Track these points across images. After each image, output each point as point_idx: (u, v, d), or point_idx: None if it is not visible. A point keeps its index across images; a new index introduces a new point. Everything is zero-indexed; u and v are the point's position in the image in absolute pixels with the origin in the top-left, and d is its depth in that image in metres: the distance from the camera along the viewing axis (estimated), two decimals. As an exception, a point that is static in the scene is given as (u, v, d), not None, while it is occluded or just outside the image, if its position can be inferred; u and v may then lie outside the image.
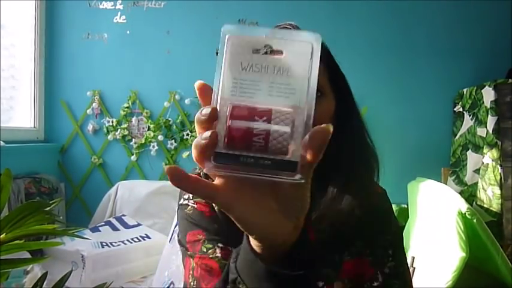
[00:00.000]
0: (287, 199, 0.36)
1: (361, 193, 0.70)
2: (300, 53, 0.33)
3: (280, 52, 0.33)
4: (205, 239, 0.68)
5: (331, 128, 0.32)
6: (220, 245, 0.67)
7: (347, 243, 0.71)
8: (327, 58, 0.71)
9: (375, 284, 0.69)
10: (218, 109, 0.33)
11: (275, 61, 0.33)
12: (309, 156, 0.32)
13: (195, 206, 0.73)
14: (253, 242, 0.40)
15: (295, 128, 0.32)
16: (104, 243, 1.97)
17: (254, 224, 0.37)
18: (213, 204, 0.68)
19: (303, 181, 0.33)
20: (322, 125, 0.32)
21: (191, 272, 0.68)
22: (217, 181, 0.36)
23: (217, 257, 0.66)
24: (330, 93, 0.71)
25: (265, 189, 0.36)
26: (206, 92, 0.35)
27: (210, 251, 0.67)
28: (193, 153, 0.33)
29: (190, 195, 0.75)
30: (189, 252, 0.69)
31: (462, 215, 1.71)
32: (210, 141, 0.32)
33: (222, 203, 0.36)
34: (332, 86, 0.71)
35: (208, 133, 0.32)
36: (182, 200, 0.76)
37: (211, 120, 0.33)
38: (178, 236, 0.75)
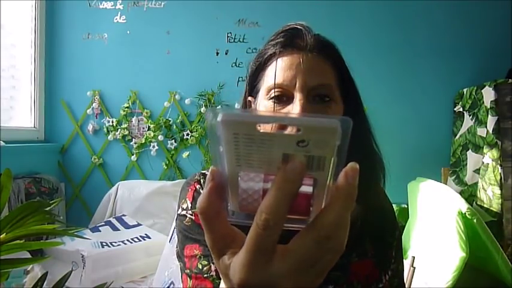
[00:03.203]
0: None
1: (367, 196, 0.69)
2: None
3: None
4: (202, 255, 0.67)
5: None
6: None
7: (355, 245, 0.70)
8: (338, 62, 0.69)
9: (380, 285, 0.70)
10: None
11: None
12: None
13: (193, 217, 0.71)
14: None
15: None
16: (104, 243, 1.96)
17: None
18: None
19: None
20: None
21: None
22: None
23: (211, 275, 0.65)
24: (339, 97, 0.68)
25: None
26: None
27: (205, 268, 0.66)
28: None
29: (189, 205, 0.73)
30: (186, 271, 0.69)
31: (462, 215, 1.71)
32: None
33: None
34: (341, 91, 0.69)
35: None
36: (180, 209, 0.74)
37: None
38: (176, 248, 0.74)
